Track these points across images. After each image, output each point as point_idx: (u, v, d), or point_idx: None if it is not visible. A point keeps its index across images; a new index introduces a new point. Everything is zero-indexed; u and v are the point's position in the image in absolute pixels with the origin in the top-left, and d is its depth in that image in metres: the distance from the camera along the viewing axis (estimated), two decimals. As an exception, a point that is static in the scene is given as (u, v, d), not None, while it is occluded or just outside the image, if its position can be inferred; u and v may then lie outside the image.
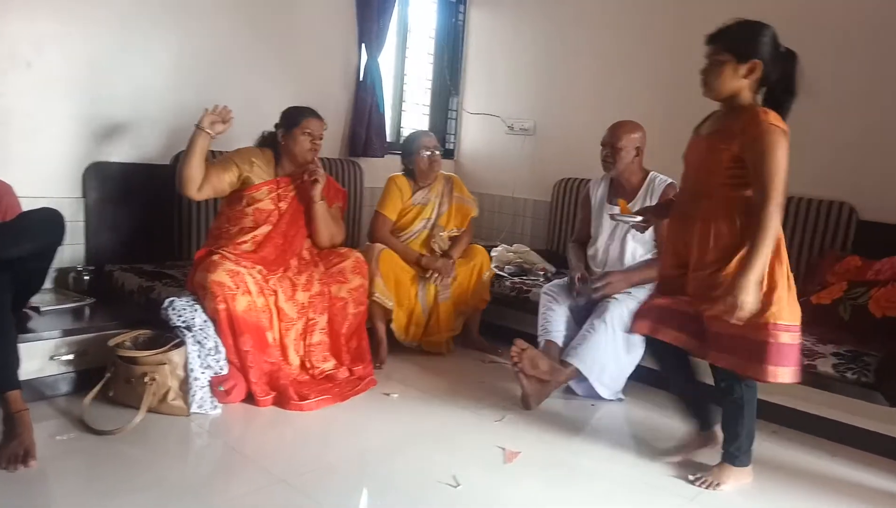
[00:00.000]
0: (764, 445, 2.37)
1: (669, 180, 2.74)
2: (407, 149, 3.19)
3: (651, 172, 2.79)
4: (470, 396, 2.64)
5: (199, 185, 2.48)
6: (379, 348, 2.94)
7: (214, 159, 2.60)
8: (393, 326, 3.00)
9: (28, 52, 2.62)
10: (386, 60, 3.97)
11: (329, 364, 2.64)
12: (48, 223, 2.18)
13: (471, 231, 3.29)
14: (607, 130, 2.81)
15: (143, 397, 2.17)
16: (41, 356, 2.25)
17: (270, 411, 2.37)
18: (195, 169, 2.45)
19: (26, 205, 2.37)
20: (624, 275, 2.69)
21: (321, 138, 2.69)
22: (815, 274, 2.87)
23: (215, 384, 2.33)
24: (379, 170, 3.57)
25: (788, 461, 2.28)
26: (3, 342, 1.93)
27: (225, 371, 2.35)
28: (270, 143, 2.72)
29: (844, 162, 3.03)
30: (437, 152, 3.15)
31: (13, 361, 1.95)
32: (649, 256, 2.78)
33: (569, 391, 2.72)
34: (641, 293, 2.68)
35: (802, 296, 2.77)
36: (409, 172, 3.18)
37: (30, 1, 2.59)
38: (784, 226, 3.04)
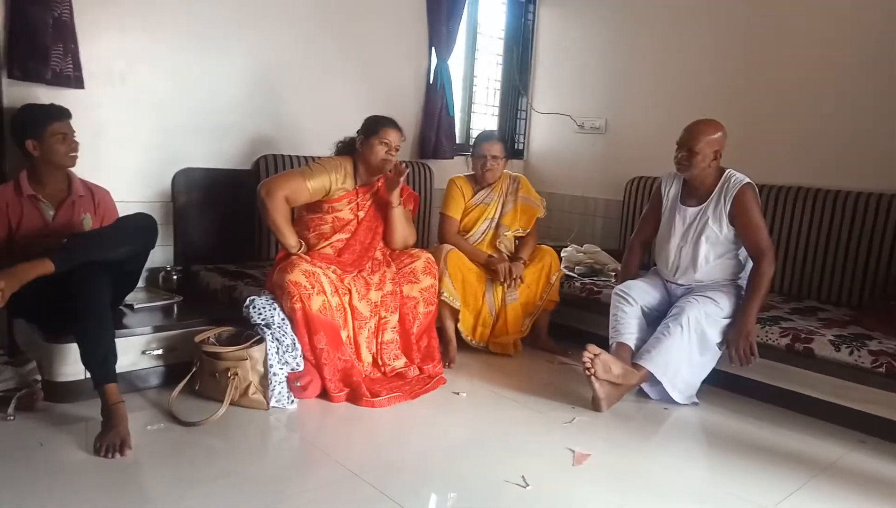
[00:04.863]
0: (850, 455, 2.26)
1: (746, 180, 2.60)
2: (473, 149, 3.25)
3: (727, 171, 2.64)
4: (539, 397, 2.63)
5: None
6: (448, 347, 2.97)
7: (308, 166, 2.65)
8: (460, 326, 3.03)
9: (122, 67, 2.81)
10: (455, 63, 4.01)
11: (400, 362, 2.70)
12: (144, 228, 2.35)
13: (536, 232, 3.27)
14: (684, 129, 2.61)
15: (226, 390, 2.28)
16: (134, 351, 2.41)
17: (343, 407, 2.44)
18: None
19: (121, 208, 2.56)
20: (746, 319, 2.52)
21: (398, 150, 2.70)
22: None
23: (292, 379, 2.42)
24: (448, 172, 3.61)
25: (875, 472, 2.15)
26: (104, 339, 2.08)
27: (301, 367, 2.44)
28: (349, 150, 2.76)
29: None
30: (495, 161, 3.11)
31: (112, 356, 2.09)
32: (719, 261, 2.66)
33: (641, 395, 2.67)
34: (721, 298, 2.61)
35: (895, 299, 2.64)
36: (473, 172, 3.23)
37: (123, 19, 2.78)
38: (874, 224, 2.89)
